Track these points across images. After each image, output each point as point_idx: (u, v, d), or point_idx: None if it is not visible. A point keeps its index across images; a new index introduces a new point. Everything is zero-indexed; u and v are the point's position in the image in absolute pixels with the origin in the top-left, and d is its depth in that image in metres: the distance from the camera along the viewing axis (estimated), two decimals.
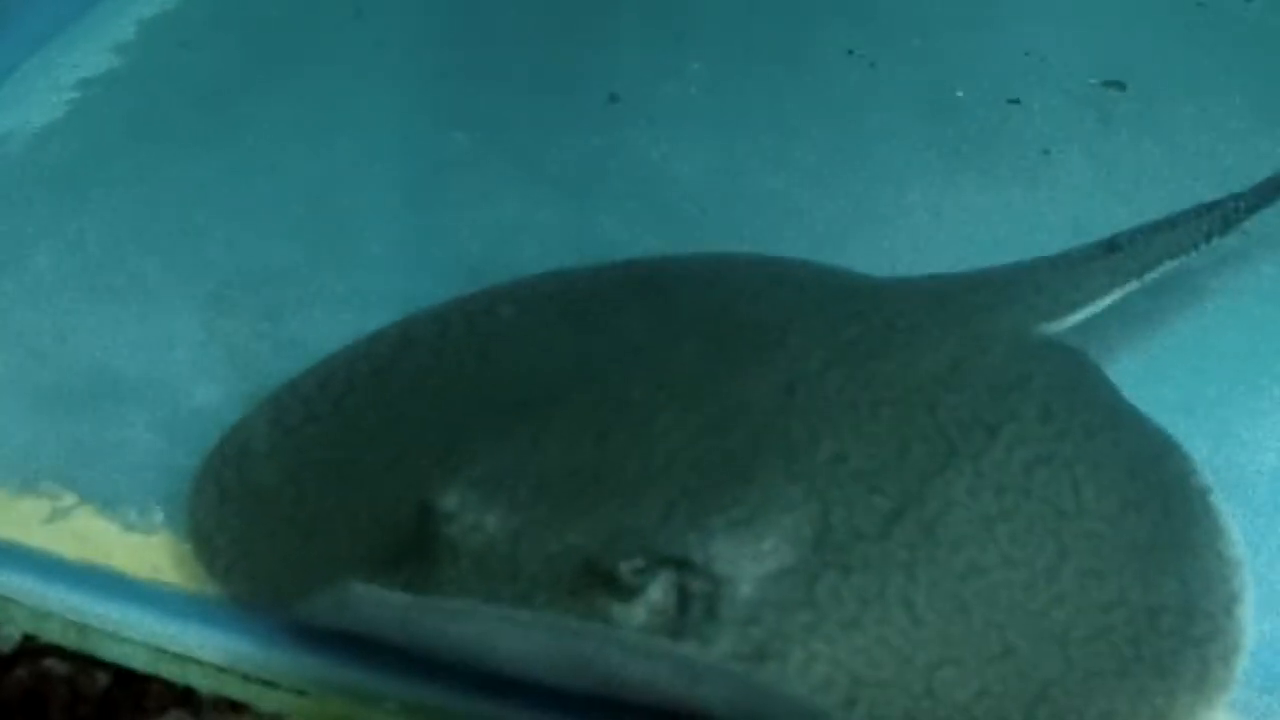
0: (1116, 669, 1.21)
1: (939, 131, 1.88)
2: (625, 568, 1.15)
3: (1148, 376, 1.51)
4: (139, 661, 1.29)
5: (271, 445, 1.43)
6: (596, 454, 1.27)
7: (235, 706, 1.26)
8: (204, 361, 1.57)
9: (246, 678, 1.27)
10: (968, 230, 1.72)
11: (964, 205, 1.77)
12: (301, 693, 1.25)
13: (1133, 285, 1.57)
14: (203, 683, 1.27)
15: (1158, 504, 1.34)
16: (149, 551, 1.37)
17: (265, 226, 1.76)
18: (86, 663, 1.30)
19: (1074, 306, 1.54)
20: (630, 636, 1.13)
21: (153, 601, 1.32)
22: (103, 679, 1.30)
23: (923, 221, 1.75)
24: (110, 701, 1.29)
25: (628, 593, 1.16)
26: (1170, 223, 1.61)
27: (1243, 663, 1.23)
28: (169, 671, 1.28)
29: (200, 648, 1.28)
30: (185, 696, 1.27)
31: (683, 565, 1.17)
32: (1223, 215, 1.62)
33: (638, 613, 1.16)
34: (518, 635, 1.11)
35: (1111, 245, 1.58)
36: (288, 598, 1.23)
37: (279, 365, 1.53)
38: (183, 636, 1.29)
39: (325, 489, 1.38)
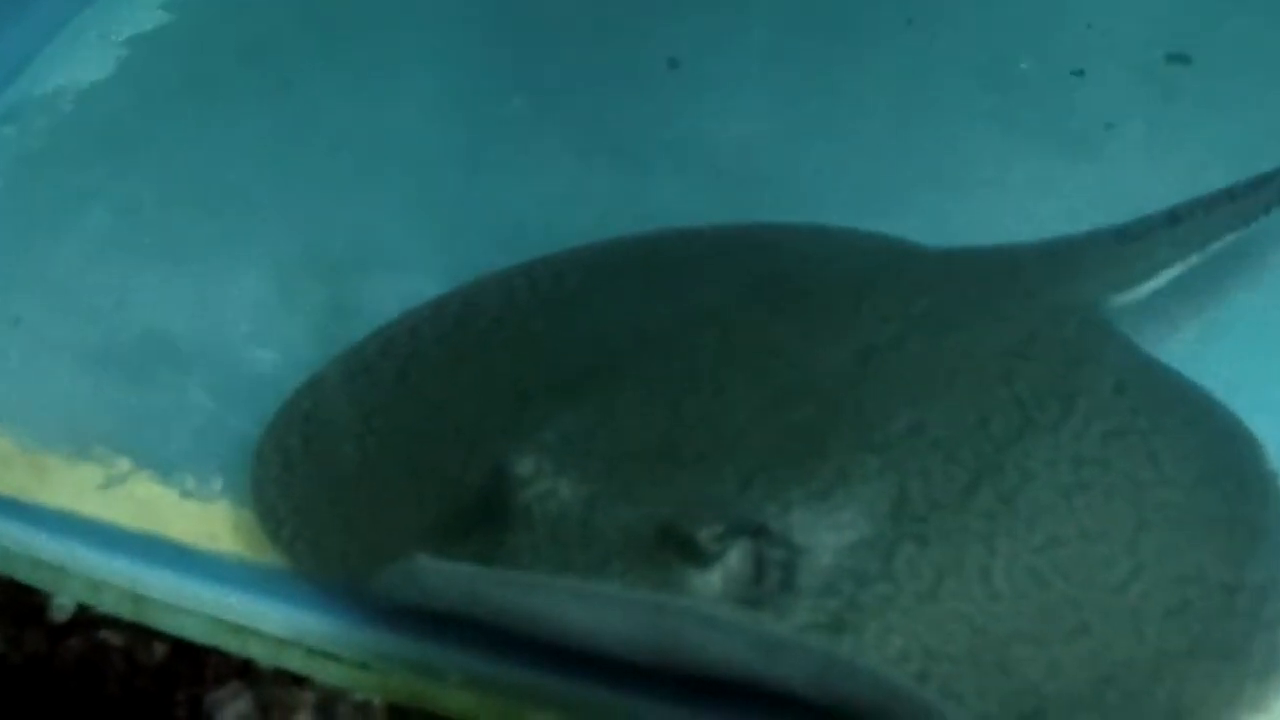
0: (1188, 649, 1.17)
1: (1001, 102, 1.82)
2: (704, 534, 1.12)
3: (1203, 348, 1.48)
4: (197, 633, 1.25)
5: (335, 412, 1.40)
6: (670, 421, 1.24)
7: (296, 680, 1.22)
8: (260, 325, 1.53)
9: (308, 650, 1.23)
10: (1028, 202, 1.66)
11: (1025, 176, 1.71)
12: (364, 666, 1.22)
13: (1194, 258, 1.52)
14: (263, 655, 1.24)
15: (1231, 482, 1.30)
16: (207, 519, 1.34)
17: (318, 188, 1.71)
18: (143, 634, 1.26)
19: (1141, 279, 1.50)
20: (706, 605, 1.10)
21: (211, 571, 1.29)
22: (160, 650, 1.26)
23: (983, 192, 1.69)
24: (168, 673, 1.25)
25: (706, 559, 1.12)
26: (1230, 194, 1.55)
27: None
28: (228, 643, 1.25)
29: (261, 619, 1.25)
30: (244, 668, 1.24)
31: (761, 534, 1.14)
32: None
33: (714, 580, 1.13)
34: (591, 608, 1.08)
35: (1173, 217, 1.54)
36: (353, 568, 1.21)
37: (336, 330, 1.48)
38: (242, 607, 1.26)
39: (391, 456, 1.35)
